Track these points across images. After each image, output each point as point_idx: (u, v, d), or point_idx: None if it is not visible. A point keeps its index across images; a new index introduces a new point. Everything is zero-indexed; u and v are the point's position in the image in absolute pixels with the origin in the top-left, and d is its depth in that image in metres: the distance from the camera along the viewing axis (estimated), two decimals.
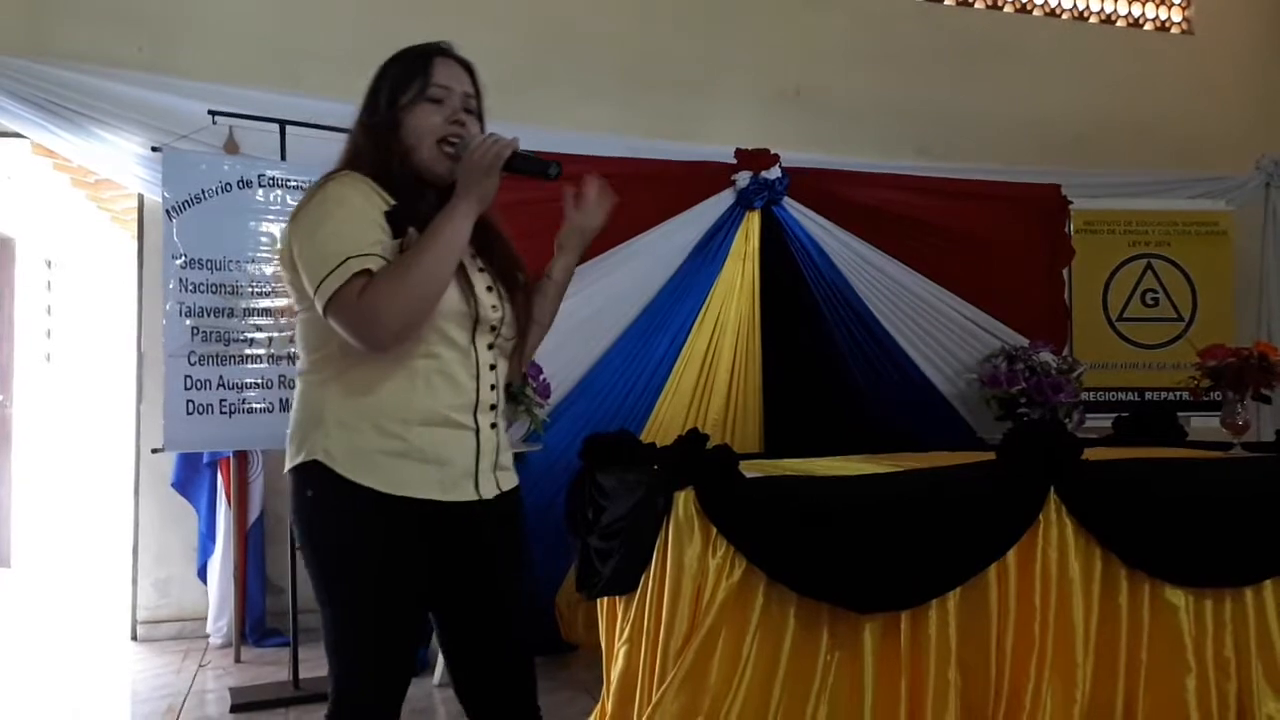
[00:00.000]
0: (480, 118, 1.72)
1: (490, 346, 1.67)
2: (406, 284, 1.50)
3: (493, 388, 1.67)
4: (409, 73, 1.65)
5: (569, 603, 3.78)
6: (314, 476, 1.58)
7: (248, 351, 3.41)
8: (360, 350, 1.54)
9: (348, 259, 1.50)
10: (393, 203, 1.59)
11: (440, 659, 3.48)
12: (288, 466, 1.64)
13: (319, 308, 1.53)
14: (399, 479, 1.57)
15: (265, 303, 3.46)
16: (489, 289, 1.67)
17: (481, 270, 1.68)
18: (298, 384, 1.67)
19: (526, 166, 1.63)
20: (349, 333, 1.52)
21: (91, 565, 5.74)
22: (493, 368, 1.67)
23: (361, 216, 1.55)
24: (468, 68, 1.71)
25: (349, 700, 1.62)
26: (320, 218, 1.56)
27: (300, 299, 1.61)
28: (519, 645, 1.74)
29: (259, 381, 3.40)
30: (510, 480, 1.73)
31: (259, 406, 3.39)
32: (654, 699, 2.51)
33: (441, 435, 1.60)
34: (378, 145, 1.63)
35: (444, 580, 1.66)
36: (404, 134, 1.63)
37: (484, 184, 1.58)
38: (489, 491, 1.66)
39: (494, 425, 1.68)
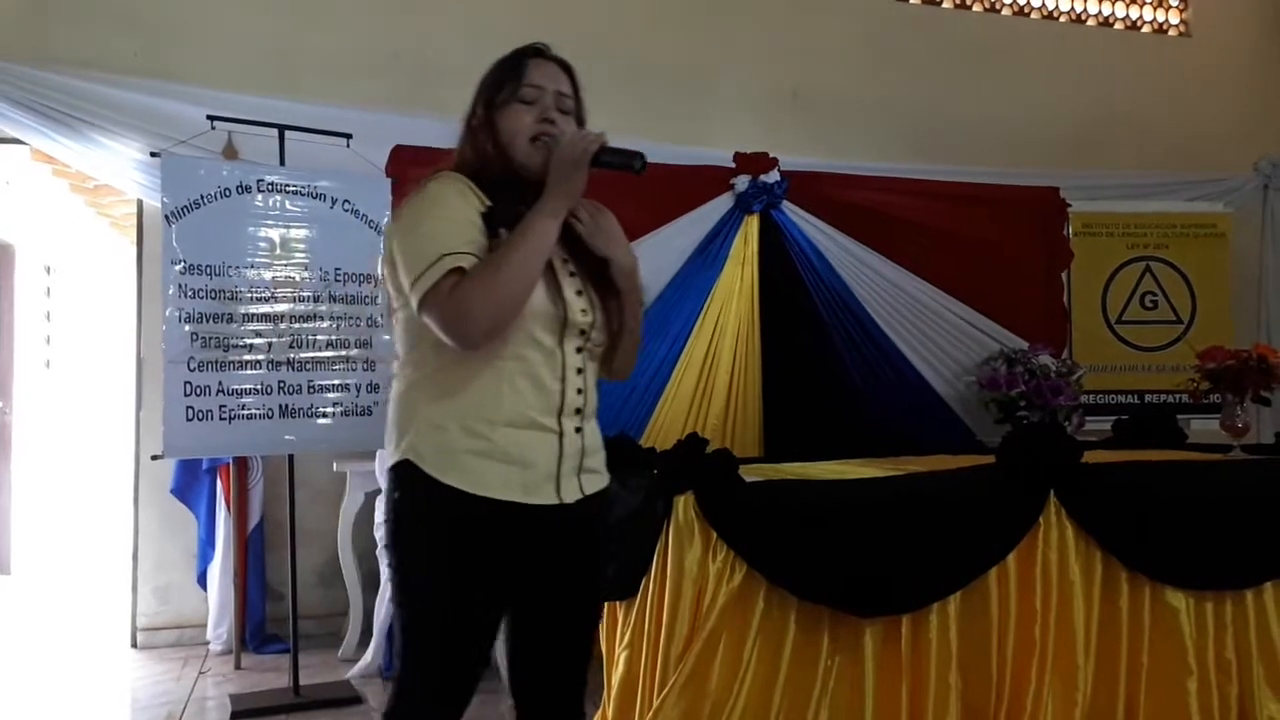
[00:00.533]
0: (579, 117, 1.74)
1: (579, 350, 1.68)
2: (496, 281, 1.53)
3: (579, 391, 1.68)
4: (503, 75, 1.71)
5: None
6: (403, 477, 1.62)
7: (247, 357, 3.40)
8: (452, 349, 1.56)
9: (442, 256, 1.54)
10: (489, 203, 1.62)
11: None
12: (386, 466, 1.67)
13: (413, 304, 1.56)
14: (482, 479, 1.58)
15: (264, 308, 3.45)
16: (579, 293, 1.67)
17: (572, 275, 1.69)
18: (394, 384, 1.70)
19: (614, 160, 1.64)
20: (441, 329, 1.55)
21: (91, 572, 5.73)
22: (580, 371, 1.68)
23: (458, 215, 1.59)
24: (565, 68, 1.75)
25: (411, 699, 1.64)
26: (418, 217, 1.61)
27: (399, 296, 1.64)
28: (577, 649, 1.76)
29: (258, 387, 3.39)
30: (596, 483, 1.73)
31: (258, 412, 3.38)
32: (655, 704, 2.50)
33: (526, 437, 1.61)
34: (475, 147, 1.69)
35: (518, 580, 1.66)
36: (499, 134, 1.67)
37: (572, 180, 1.61)
38: (570, 495, 1.66)
39: (579, 429, 1.68)
